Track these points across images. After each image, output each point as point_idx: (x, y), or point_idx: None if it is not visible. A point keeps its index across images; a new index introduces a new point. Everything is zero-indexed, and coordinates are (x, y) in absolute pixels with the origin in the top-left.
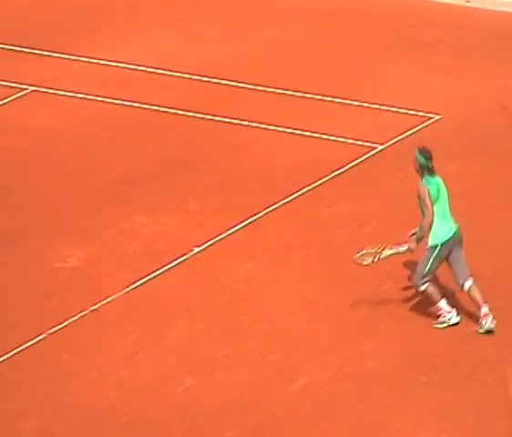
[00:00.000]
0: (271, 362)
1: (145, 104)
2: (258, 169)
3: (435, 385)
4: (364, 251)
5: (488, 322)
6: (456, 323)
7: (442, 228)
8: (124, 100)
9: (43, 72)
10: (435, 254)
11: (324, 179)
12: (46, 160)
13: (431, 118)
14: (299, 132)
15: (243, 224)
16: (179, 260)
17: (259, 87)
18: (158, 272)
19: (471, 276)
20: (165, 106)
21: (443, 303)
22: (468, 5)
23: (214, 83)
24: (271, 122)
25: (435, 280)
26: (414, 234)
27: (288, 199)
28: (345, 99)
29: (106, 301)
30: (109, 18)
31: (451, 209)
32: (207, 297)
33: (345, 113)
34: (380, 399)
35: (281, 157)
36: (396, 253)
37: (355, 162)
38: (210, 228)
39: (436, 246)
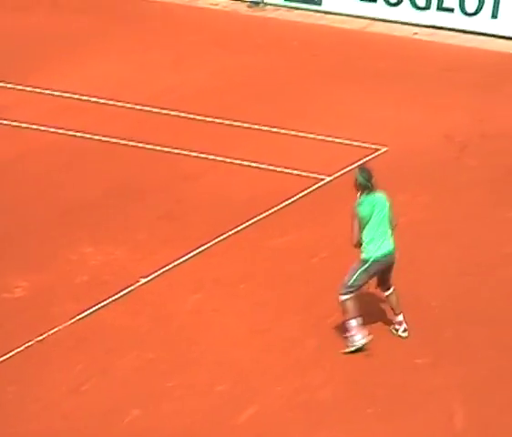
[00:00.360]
0: (219, 393)
1: (95, 134)
2: (207, 200)
3: (381, 417)
4: None
5: (401, 330)
6: (365, 344)
7: (375, 246)
8: (74, 130)
9: None
10: (363, 268)
11: (273, 210)
12: None
13: (378, 150)
14: (247, 163)
15: (191, 254)
16: (126, 291)
17: (207, 118)
18: (105, 303)
19: (392, 286)
20: (114, 137)
21: (354, 323)
22: (416, 37)
23: (164, 113)
24: (220, 153)
25: (356, 299)
26: None
27: (236, 230)
28: (293, 130)
29: (52, 332)
30: (62, 47)
31: (389, 228)
32: (154, 327)
33: (293, 144)
34: (328, 430)
35: (230, 187)
36: None
37: (304, 193)
38: (158, 258)
39: (367, 261)
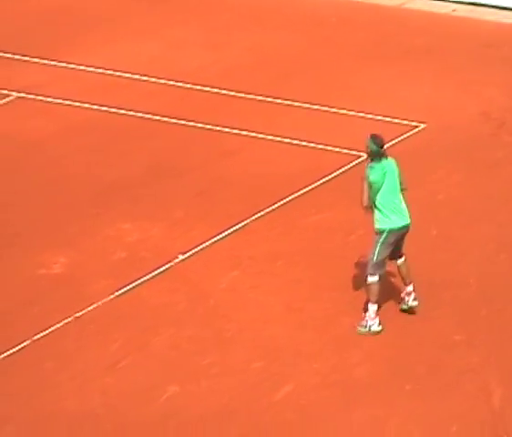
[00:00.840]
0: (256, 371)
1: (130, 110)
2: (243, 177)
3: (419, 394)
4: None
5: (411, 300)
6: (377, 332)
7: (389, 215)
8: (109, 107)
9: (27, 78)
10: (381, 240)
11: (310, 187)
12: (31, 167)
13: (416, 127)
14: (285, 140)
15: (228, 232)
16: (163, 268)
17: (244, 95)
18: (142, 280)
19: (404, 255)
20: (150, 113)
21: (373, 308)
22: (454, 14)
23: (199, 90)
24: (257, 129)
25: (380, 285)
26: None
27: (273, 207)
28: (331, 107)
29: (90, 309)
30: (93, 25)
31: (400, 194)
32: (191, 305)
33: (331, 121)
34: (364, 407)
35: (267, 164)
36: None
37: (341, 170)
38: (195, 235)
39: (383, 231)
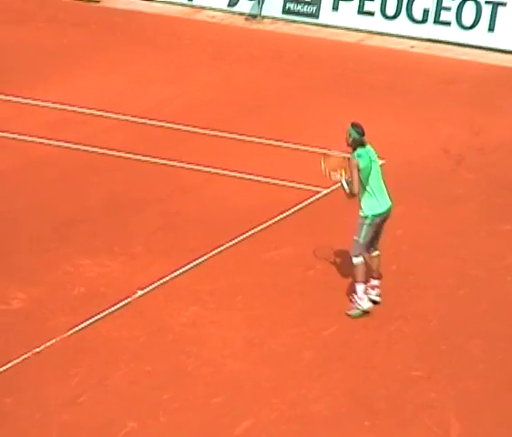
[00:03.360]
0: (216, 406)
1: (90, 146)
2: (204, 212)
3: (378, 430)
4: (335, 152)
5: (374, 294)
6: (368, 309)
7: (376, 201)
8: (69, 142)
9: None
10: (367, 222)
11: (270, 222)
12: None
13: None
14: (245, 175)
15: (188, 267)
16: (122, 303)
17: (204, 130)
18: (102, 315)
19: (378, 250)
20: (110, 148)
21: (361, 287)
22: (412, 50)
23: (160, 125)
24: (218, 165)
25: (366, 264)
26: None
27: (234, 242)
28: (291, 143)
29: (49, 344)
30: (55, 60)
31: (384, 182)
32: (150, 340)
33: (291, 157)
34: None
35: (227, 199)
36: (342, 186)
37: (301, 205)
38: (155, 270)
39: (367, 216)
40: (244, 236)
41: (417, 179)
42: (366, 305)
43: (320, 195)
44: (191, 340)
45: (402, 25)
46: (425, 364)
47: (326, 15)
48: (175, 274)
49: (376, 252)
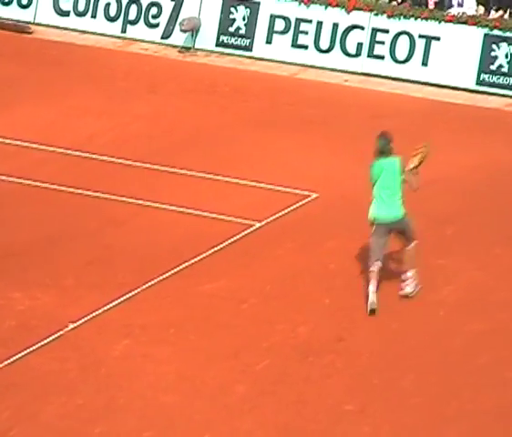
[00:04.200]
0: None
1: (21, 178)
2: (136, 245)
3: None
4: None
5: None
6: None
7: (379, 207)
8: (1, 174)
9: None
10: (372, 232)
11: (202, 256)
12: None
13: (309, 196)
14: (177, 208)
15: (120, 300)
16: (54, 336)
17: (137, 163)
18: (33, 348)
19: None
20: (42, 181)
21: (372, 288)
22: (346, 84)
23: (92, 158)
24: (150, 198)
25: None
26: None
27: (165, 276)
28: (224, 176)
29: None
30: None
31: (398, 192)
32: (82, 373)
33: (223, 190)
34: None
35: (160, 232)
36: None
37: (234, 239)
38: (87, 303)
39: (372, 221)
40: (176, 269)
41: (350, 213)
42: (373, 304)
43: (253, 228)
44: (123, 373)
45: (336, 58)
46: (358, 398)
47: (260, 48)
48: (107, 307)
49: (411, 244)
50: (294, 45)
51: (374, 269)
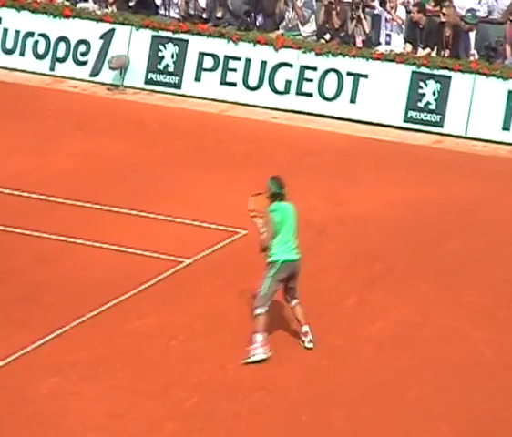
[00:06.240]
0: None
1: None
2: (65, 282)
3: None
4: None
5: (307, 341)
6: (263, 359)
7: (284, 250)
8: None
9: None
10: (272, 273)
11: (131, 293)
12: None
13: (237, 233)
14: (106, 245)
15: (49, 337)
16: None
17: (66, 201)
18: None
19: (297, 299)
20: None
21: (259, 338)
22: (275, 121)
23: (21, 195)
24: (79, 235)
25: (267, 317)
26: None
27: (95, 312)
28: (153, 213)
29: None
30: None
31: (296, 239)
32: (10, 412)
33: (152, 227)
34: None
35: (89, 270)
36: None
37: (162, 276)
38: (15, 341)
39: (275, 263)
40: (106, 306)
41: None
42: (261, 356)
43: (182, 265)
44: (52, 411)
45: (265, 95)
46: (287, 436)
47: (189, 85)
48: (35, 345)
49: (296, 300)
50: (223, 82)
51: (262, 312)
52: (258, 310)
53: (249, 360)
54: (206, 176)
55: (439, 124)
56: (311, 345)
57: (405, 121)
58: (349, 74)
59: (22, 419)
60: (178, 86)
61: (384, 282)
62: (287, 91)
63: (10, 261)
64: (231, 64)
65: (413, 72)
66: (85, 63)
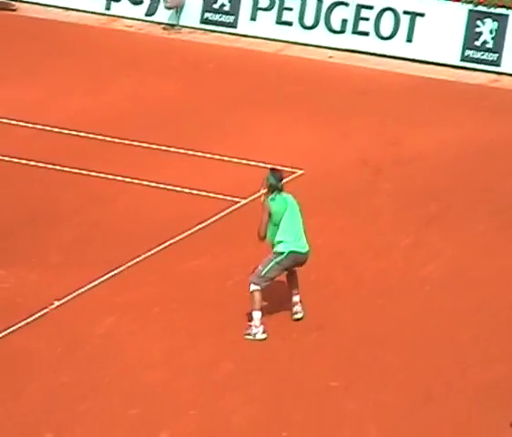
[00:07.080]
0: (132, 417)
1: (5, 156)
2: (121, 223)
3: None
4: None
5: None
6: (262, 339)
7: (292, 240)
8: None
9: None
10: (277, 260)
11: (187, 233)
12: None
13: (294, 173)
14: (162, 186)
15: (105, 277)
16: (39, 314)
17: (123, 140)
18: (17, 326)
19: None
20: (27, 159)
21: (257, 315)
22: (331, 60)
23: (77, 135)
24: (136, 175)
25: (263, 293)
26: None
27: (150, 253)
28: (209, 154)
29: None
30: None
31: (303, 228)
32: (68, 351)
33: (208, 167)
34: None
35: (145, 210)
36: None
37: (218, 216)
38: (72, 281)
39: (283, 253)
40: (161, 247)
41: (336, 190)
42: (261, 336)
43: (237, 205)
44: (108, 351)
45: (320, 35)
46: (343, 375)
47: (244, 24)
48: (92, 285)
49: (297, 297)
50: (279, 21)
51: (257, 289)
52: (253, 287)
53: (249, 338)
54: (262, 116)
55: (496, 63)
56: (301, 314)
57: (462, 60)
58: (405, 12)
59: (79, 358)
60: (233, 25)
61: (440, 222)
62: (343, 30)
63: (66, 202)
64: (287, 3)
65: (469, 10)
66: (140, 2)
